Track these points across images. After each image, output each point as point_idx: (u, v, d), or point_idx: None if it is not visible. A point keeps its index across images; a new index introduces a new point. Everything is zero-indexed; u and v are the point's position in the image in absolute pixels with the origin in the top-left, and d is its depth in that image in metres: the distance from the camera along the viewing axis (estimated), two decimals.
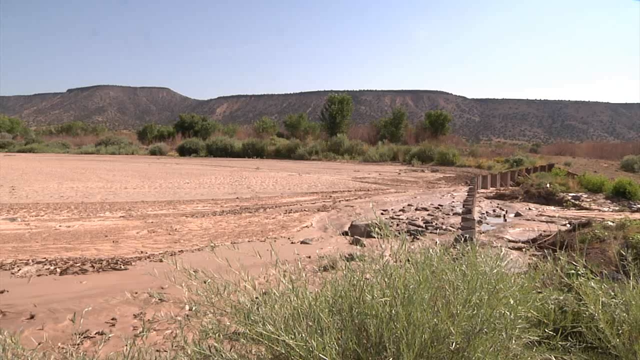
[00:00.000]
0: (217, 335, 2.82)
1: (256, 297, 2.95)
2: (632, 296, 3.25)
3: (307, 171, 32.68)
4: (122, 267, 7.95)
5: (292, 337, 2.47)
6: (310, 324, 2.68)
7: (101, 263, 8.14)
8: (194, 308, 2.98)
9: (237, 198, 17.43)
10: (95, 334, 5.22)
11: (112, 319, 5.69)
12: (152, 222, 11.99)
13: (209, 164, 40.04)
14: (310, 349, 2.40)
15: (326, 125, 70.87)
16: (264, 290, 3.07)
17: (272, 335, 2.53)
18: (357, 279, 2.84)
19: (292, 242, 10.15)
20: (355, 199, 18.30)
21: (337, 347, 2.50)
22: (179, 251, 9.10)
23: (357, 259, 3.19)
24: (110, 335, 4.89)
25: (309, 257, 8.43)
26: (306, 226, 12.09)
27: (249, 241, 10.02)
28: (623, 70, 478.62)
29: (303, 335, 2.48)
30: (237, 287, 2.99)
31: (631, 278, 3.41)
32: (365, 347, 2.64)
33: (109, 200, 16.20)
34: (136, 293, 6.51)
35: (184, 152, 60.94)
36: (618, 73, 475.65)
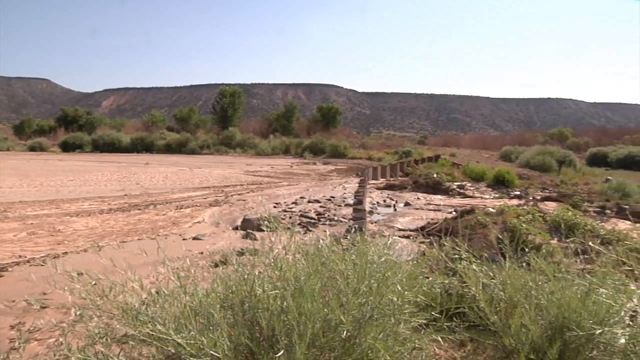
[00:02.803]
0: (104, 339, 2.70)
1: (145, 297, 2.86)
2: (508, 276, 3.48)
3: (199, 166, 32.04)
4: None
5: (183, 335, 2.42)
6: (202, 321, 2.64)
7: None
8: (78, 313, 2.83)
9: (126, 195, 16.75)
10: None
11: None
12: (32, 224, 11.22)
13: (95, 160, 38.16)
14: (201, 346, 2.36)
15: (218, 118, 69.78)
16: (155, 290, 2.98)
17: (162, 335, 2.46)
18: (248, 273, 2.82)
19: (184, 239, 9.91)
20: (248, 192, 18.18)
21: (228, 343, 2.48)
22: (63, 253, 8.59)
23: (247, 253, 3.17)
24: None
25: (202, 253, 8.26)
26: (198, 222, 11.85)
27: (138, 239, 9.66)
28: (502, 67, 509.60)
29: (193, 333, 2.43)
30: (125, 288, 2.88)
31: (507, 259, 3.64)
32: (257, 341, 2.64)
33: None
34: (13, 301, 6.05)
35: (67, 147, 57.35)
36: (498, 70, 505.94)
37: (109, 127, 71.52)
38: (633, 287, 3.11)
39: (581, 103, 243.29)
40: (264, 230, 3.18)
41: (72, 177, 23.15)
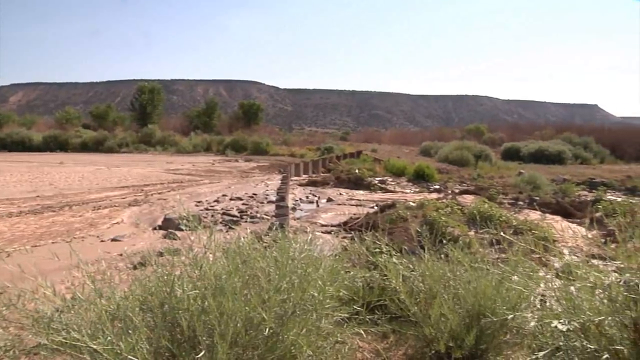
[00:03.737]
0: (12, 352, 2.56)
1: (59, 304, 2.73)
2: (427, 267, 3.58)
3: (117, 164, 31.00)
4: None
5: (99, 341, 2.33)
6: (120, 325, 2.55)
7: None
8: None
9: (38, 196, 15.96)
10: None
11: None
12: None
13: (2, 160, 36.07)
14: (119, 351, 2.27)
15: (136, 116, 67.57)
16: (70, 296, 2.85)
17: (77, 343, 2.35)
18: (167, 273, 2.75)
19: (102, 241, 9.59)
20: (169, 191, 17.80)
21: (148, 347, 2.41)
22: None
23: (166, 254, 3.10)
24: None
25: (121, 254, 8.00)
26: (117, 222, 11.49)
27: (52, 243, 9.25)
28: (422, 65, 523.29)
29: (110, 338, 2.34)
30: (36, 295, 2.73)
31: (426, 252, 3.74)
32: (178, 343, 2.58)
33: None
34: None
35: None
36: (418, 67, 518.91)
37: (18, 124, 67.23)
38: (542, 274, 3.27)
39: (496, 100, 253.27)
40: (187, 230, 3.12)
41: None
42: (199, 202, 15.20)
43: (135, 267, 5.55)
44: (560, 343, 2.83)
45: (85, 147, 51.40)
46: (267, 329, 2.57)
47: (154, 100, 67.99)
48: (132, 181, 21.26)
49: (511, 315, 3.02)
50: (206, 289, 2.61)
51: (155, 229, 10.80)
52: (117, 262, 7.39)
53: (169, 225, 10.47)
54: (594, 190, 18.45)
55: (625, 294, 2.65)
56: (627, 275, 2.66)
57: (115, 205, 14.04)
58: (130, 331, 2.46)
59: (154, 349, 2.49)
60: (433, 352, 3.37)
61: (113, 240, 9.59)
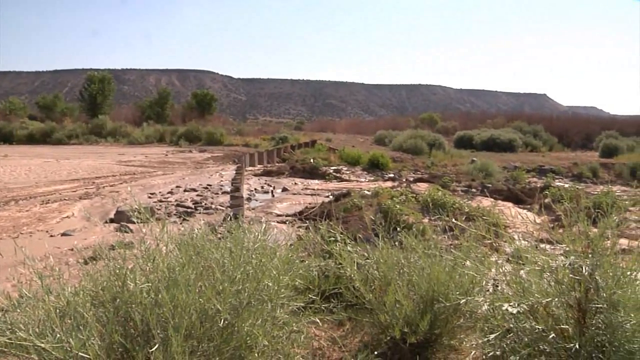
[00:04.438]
0: None
1: (5, 303, 2.64)
2: (381, 255, 3.61)
3: (67, 157, 30.15)
4: None
5: (48, 339, 2.26)
6: (70, 322, 2.48)
7: None
8: None
9: None
10: None
11: None
12: None
13: None
14: (68, 348, 2.22)
15: (86, 106, 65.62)
16: (17, 294, 2.75)
17: (23, 342, 2.28)
18: (119, 267, 2.69)
19: (51, 236, 9.33)
20: (121, 183, 17.45)
21: (100, 342, 2.35)
22: None
23: (118, 247, 3.04)
24: None
25: (72, 249, 7.82)
26: (67, 216, 11.20)
27: None
28: (376, 54, 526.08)
29: (60, 335, 2.28)
30: None
31: (380, 239, 3.78)
32: (132, 337, 2.53)
33: None
34: None
35: None
36: (372, 57, 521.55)
37: None
38: (493, 259, 3.34)
39: (449, 89, 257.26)
40: (139, 223, 3.06)
41: None
42: (152, 194, 14.96)
43: (86, 262, 5.41)
44: (511, 325, 2.91)
45: (31, 139, 49.61)
46: (222, 320, 2.55)
47: (105, 90, 66.22)
48: (82, 174, 20.74)
49: (464, 300, 3.09)
50: (159, 282, 2.56)
51: (107, 222, 10.58)
52: (67, 257, 7.23)
53: (121, 218, 10.27)
54: (543, 177, 19.03)
55: (570, 276, 2.74)
56: (572, 258, 2.75)
57: (65, 199, 13.68)
58: (81, 327, 2.40)
59: (107, 345, 2.43)
60: (388, 338, 3.41)
61: (63, 235, 9.35)
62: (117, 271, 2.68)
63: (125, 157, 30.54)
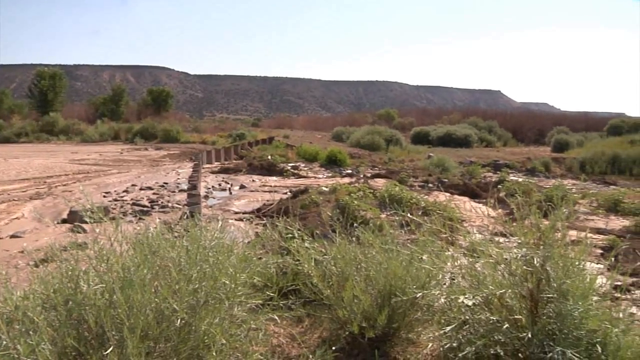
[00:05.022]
0: None
1: None
2: (339, 251, 3.63)
3: (15, 155, 29.18)
4: None
5: None
6: (18, 327, 2.40)
7: None
8: None
9: None
10: None
11: None
12: None
13: None
14: (16, 355, 2.15)
15: (36, 103, 63.50)
16: None
17: None
18: (72, 268, 2.63)
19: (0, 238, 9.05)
20: (74, 182, 17.01)
21: (51, 347, 2.29)
22: None
23: (71, 248, 2.96)
24: None
25: (21, 252, 7.58)
26: (17, 217, 10.85)
27: None
28: (333, 51, 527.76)
29: (6, 342, 2.21)
30: None
31: (338, 235, 3.79)
32: (86, 340, 2.48)
33: None
34: None
35: None
36: (329, 53, 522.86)
37: None
38: (449, 253, 3.39)
39: (405, 86, 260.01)
40: (95, 222, 2.99)
41: None
42: (107, 193, 14.64)
43: (37, 265, 5.28)
44: (467, 317, 2.98)
45: None
46: (179, 320, 2.52)
47: (56, 87, 64.26)
48: (33, 173, 20.12)
49: (421, 294, 3.14)
50: (114, 282, 2.51)
51: (59, 223, 10.30)
52: (16, 260, 7.02)
53: (74, 219, 10.02)
54: (498, 172, 19.42)
55: (523, 267, 2.81)
56: (525, 250, 2.82)
57: (14, 200, 13.26)
58: (31, 333, 2.33)
59: (59, 349, 2.38)
60: (347, 333, 3.43)
61: (12, 237, 9.06)
62: (70, 273, 2.62)
63: (79, 155, 29.81)
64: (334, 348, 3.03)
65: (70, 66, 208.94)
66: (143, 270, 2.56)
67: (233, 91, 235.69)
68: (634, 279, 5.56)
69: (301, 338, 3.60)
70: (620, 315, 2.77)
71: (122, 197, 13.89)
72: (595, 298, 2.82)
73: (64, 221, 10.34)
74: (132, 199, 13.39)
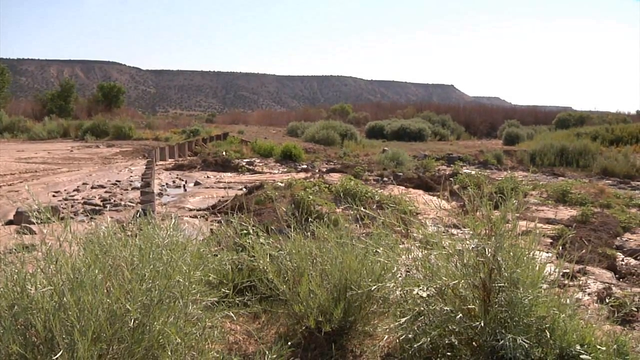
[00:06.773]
0: None
1: None
2: (294, 246, 3.63)
3: None
4: None
5: None
6: None
7: None
8: None
9: None
10: None
11: None
12: None
13: None
14: None
15: None
16: None
17: None
18: (17, 271, 2.54)
19: None
20: (21, 182, 16.48)
21: None
22: None
23: (16, 250, 2.87)
24: None
25: None
26: None
27: None
28: (287, 46, 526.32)
29: None
30: None
31: (293, 230, 3.79)
32: (33, 346, 2.41)
33: None
34: None
35: None
36: (283, 48, 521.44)
37: None
38: (403, 246, 3.43)
39: (360, 80, 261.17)
40: (42, 223, 2.90)
41: None
42: (56, 192, 14.24)
43: None
44: (422, 308, 3.02)
45: None
46: (133, 320, 2.48)
47: None
48: None
49: (376, 287, 3.16)
50: (63, 284, 2.44)
51: (5, 224, 9.97)
52: None
53: (21, 220, 9.71)
54: (451, 165, 19.77)
55: (476, 258, 2.87)
56: (476, 240, 2.88)
57: None
58: None
59: (3, 357, 2.30)
60: (304, 328, 3.44)
61: None
62: (16, 276, 2.53)
63: (25, 153, 28.89)
64: (290, 343, 3.03)
65: (14, 60, 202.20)
66: (94, 270, 2.50)
67: (186, 87, 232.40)
68: (580, 266, 5.75)
69: (258, 334, 3.59)
70: (568, 301, 2.87)
71: (72, 196, 13.54)
72: (544, 286, 2.91)
73: (10, 222, 10.02)
74: (83, 198, 13.07)
